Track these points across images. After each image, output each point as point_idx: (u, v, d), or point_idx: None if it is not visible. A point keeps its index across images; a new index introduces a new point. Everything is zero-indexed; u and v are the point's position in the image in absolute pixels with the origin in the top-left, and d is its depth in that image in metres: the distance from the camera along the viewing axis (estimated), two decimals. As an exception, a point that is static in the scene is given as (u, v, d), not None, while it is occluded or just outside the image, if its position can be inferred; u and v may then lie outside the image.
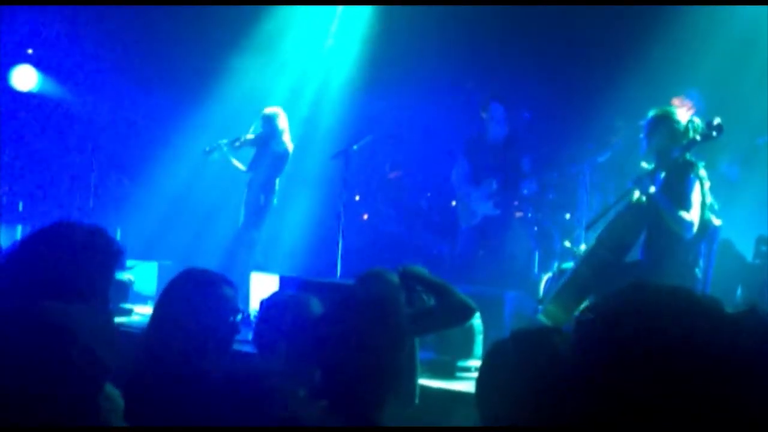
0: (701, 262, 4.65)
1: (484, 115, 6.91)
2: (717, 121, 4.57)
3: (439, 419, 3.81)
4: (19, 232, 8.46)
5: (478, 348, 4.54)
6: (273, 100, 7.95)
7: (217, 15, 8.61)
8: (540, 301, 5.10)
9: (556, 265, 6.60)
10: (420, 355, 3.54)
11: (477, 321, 4.45)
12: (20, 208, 9.03)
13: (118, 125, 9.39)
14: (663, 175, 4.67)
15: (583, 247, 5.34)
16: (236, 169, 7.47)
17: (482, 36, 7.89)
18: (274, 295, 3.65)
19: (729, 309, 1.11)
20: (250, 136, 7.44)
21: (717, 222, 4.75)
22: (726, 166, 6.23)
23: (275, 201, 7.32)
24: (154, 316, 2.76)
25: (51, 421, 1.53)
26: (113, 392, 1.95)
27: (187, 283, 2.74)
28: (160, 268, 7.52)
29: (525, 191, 7.20)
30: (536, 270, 7.16)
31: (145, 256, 7.81)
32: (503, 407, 1.83)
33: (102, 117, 9.44)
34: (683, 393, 1.01)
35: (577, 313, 3.88)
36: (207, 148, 7.53)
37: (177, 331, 2.63)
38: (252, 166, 7.39)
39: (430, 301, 3.43)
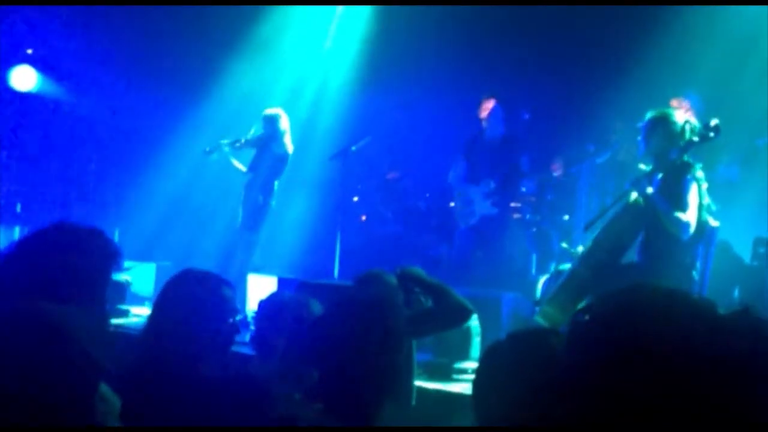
0: (698, 264, 4.65)
1: (481, 114, 6.92)
2: (714, 122, 4.58)
3: (435, 421, 3.81)
4: (17, 233, 8.45)
5: (476, 350, 4.53)
6: (271, 101, 7.95)
7: (216, 15, 8.61)
8: (537, 303, 5.10)
9: (553, 266, 6.61)
10: (417, 356, 3.53)
11: (474, 323, 4.44)
12: (18, 209, 9.02)
13: (116, 126, 9.40)
14: (660, 176, 4.68)
15: (580, 248, 5.34)
16: (235, 169, 7.46)
17: (481, 37, 7.90)
18: (273, 296, 3.65)
19: (724, 310, 1.11)
20: (250, 136, 7.43)
21: (714, 223, 4.76)
22: (724, 167, 6.24)
23: (273, 203, 7.32)
24: (152, 318, 2.76)
25: (46, 423, 1.52)
26: (109, 393, 1.95)
27: (185, 284, 2.74)
28: (158, 269, 7.51)
29: (523, 189, 7.21)
30: (534, 271, 7.17)
31: (143, 257, 7.80)
32: (500, 409, 1.83)
33: (100, 118, 9.44)
34: (677, 394, 1.02)
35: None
36: (207, 148, 7.52)
37: (174, 333, 2.63)
38: (252, 167, 7.38)
39: (428, 302, 3.43)
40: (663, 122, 4.69)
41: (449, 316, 3.41)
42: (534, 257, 7.30)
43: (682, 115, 5.05)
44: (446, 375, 4.46)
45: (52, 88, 9.54)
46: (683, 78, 6.79)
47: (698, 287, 4.62)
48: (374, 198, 9.02)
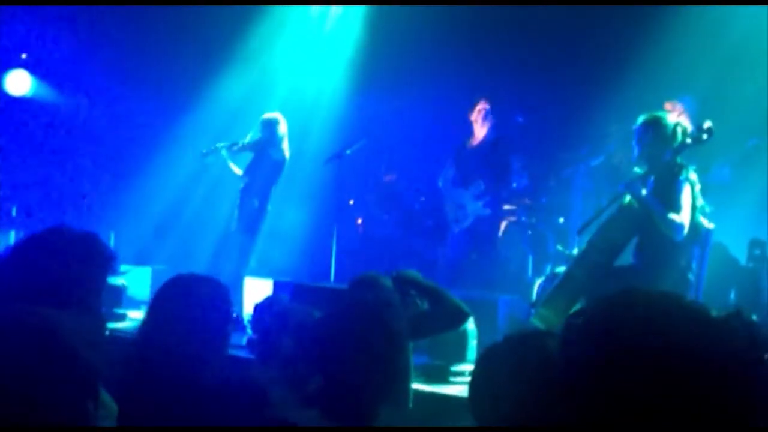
0: (694, 266, 4.66)
1: (472, 117, 6.91)
2: (707, 124, 4.59)
3: (432, 423, 3.81)
4: (12, 237, 8.44)
5: (472, 352, 4.53)
6: (267, 105, 7.95)
7: (211, 19, 8.61)
8: (533, 305, 5.11)
9: (549, 268, 6.62)
10: (413, 359, 3.54)
11: (471, 325, 4.45)
12: (13, 213, 9.00)
13: (111, 130, 9.38)
14: (653, 178, 4.69)
15: (575, 250, 5.35)
16: (231, 173, 7.45)
17: (476, 40, 7.90)
18: (268, 300, 3.65)
19: (718, 313, 1.12)
20: (248, 140, 7.41)
21: (709, 225, 4.77)
22: (717, 168, 6.25)
23: (270, 207, 7.31)
24: (147, 321, 2.75)
25: (41, 426, 1.52)
26: (106, 397, 1.95)
27: (180, 287, 2.74)
28: (154, 273, 7.49)
29: (514, 185, 7.20)
30: (530, 274, 7.17)
31: (139, 260, 7.79)
32: (496, 411, 1.84)
33: (96, 122, 9.43)
34: (670, 395, 1.02)
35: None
36: (204, 151, 7.51)
37: (170, 336, 2.62)
38: (248, 171, 7.37)
39: (424, 305, 3.44)
40: (655, 125, 4.71)
41: (446, 319, 3.41)
42: (530, 259, 7.31)
43: (675, 117, 5.07)
44: (443, 377, 4.46)
45: (46, 93, 9.53)
46: (678, 81, 6.81)
47: (694, 289, 4.63)
48: (370, 201, 9.02)
